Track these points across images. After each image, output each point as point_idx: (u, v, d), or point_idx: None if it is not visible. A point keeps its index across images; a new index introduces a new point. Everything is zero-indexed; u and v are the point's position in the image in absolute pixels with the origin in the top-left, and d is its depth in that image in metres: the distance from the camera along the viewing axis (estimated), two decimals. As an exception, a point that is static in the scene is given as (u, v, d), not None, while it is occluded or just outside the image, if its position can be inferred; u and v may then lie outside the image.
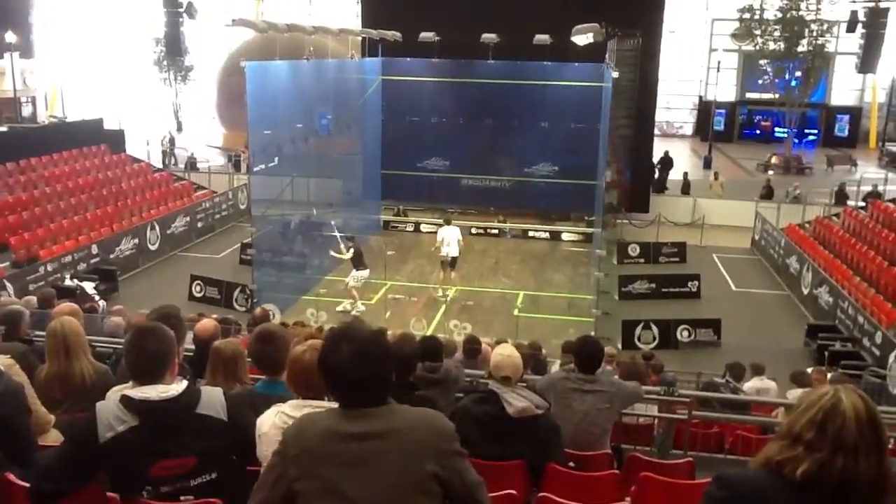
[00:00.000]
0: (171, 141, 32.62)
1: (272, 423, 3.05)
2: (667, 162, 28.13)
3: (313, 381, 3.10)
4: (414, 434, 2.38)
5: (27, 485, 3.11)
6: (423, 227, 23.12)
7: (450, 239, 17.43)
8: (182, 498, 2.99)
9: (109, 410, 2.98)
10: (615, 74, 16.02)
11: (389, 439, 2.35)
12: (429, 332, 14.88)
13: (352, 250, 16.48)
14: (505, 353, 4.61)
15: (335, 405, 3.07)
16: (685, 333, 15.41)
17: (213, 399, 3.06)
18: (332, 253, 16.94)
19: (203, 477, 3.01)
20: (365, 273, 16.50)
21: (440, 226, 18.45)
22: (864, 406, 1.91)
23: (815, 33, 33.48)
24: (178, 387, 3.03)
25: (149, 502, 2.96)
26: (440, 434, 2.43)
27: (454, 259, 17.51)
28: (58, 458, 3.13)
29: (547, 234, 22.74)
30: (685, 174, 27.54)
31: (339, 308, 16.30)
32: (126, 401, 2.97)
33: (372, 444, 2.34)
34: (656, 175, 26.98)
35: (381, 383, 2.43)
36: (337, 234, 17.08)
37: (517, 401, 4.37)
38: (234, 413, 3.07)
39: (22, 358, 4.49)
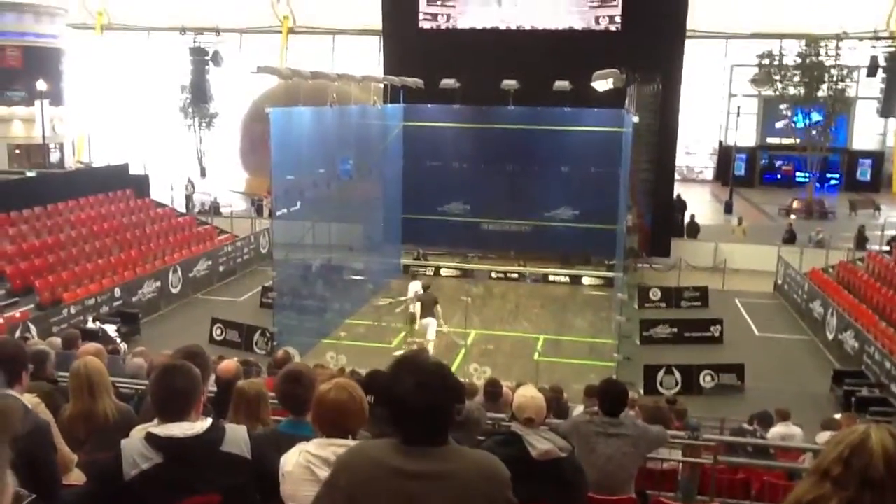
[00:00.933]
0: (191, 185, 33.04)
1: (296, 462, 3.05)
2: (680, 205, 28.02)
3: (338, 419, 3.11)
4: (469, 478, 2.33)
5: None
6: (444, 272, 23.17)
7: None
8: (206, 536, 2.98)
9: (134, 448, 2.99)
10: (636, 119, 16.11)
11: (445, 481, 2.31)
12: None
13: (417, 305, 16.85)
14: (528, 395, 4.59)
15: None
16: (708, 378, 15.23)
17: (237, 437, 3.06)
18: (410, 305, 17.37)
19: (227, 514, 2.99)
20: (428, 321, 16.36)
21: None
22: (893, 443, 1.89)
23: (835, 78, 33.53)
24: (202, 424, 3.03)
25: (173, 541, 2.96)
26: (496, 481, 2.39)
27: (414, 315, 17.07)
28: (83, 497, 3.14)
29: (567, 279, 22.70)
30: (692, 216, 27.44)
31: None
32: (151, 438, 2.98)
33: (426, 485, 2.30)
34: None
35: (443, 417, 2.37)
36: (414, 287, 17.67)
37: (540, 443, 4.33)
38: (257, 451, 3.07)
39: (47, 397, 4.53)
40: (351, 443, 3.05)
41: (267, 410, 4.75)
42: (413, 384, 2.32)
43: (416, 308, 17.04)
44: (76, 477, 4.21)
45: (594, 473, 4.89)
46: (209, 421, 3.07)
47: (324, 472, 2.98)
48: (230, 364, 5.83)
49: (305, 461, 3.02)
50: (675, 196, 28.15)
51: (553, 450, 4.35)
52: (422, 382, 2.33)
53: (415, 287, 17.73)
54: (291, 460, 3.06)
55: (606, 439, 5.14)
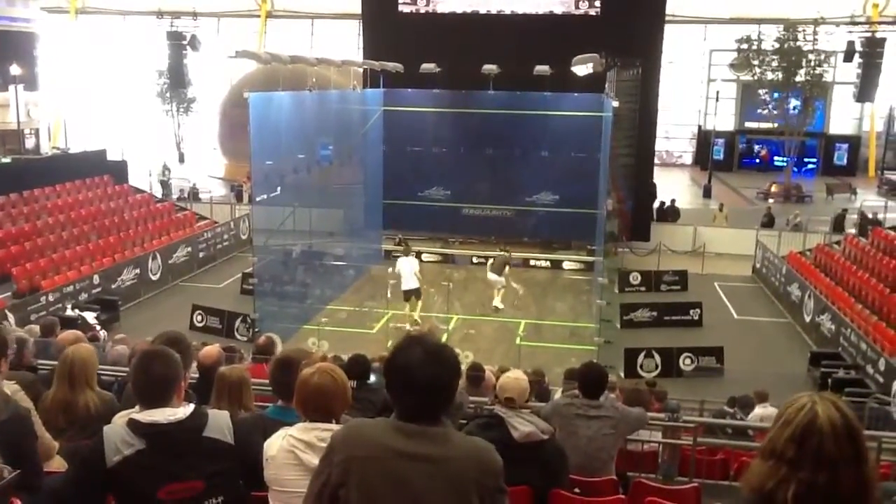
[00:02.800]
0: (167, 171, 32.71)
1: (279, 446, 3.06)
2: (651, 190, 27.98)
3: (321, 403, 3.12)
4: (463, 465, 2.34)
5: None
6: (425, 257, 23.14)
7: (405, 272, 17.16)
8: (189, 522, 2.98)
9: (116, 434, 2.98)
10: (615, 104, 16.13)
11: (438, 465, 2.32)
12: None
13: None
14: (512, 377, 4.65)
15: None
16: (688, 361, 15.37)
17: (220, 422, 3.06)
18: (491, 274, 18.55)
19: (210, 501, 2.99)
20: (496, 278, 18.30)
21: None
22: (840, 418, 1.93)
23: (812, 63, 33.75)
24: (184, 410, 3.03)
25: (156, 526, 2.96)
26: (489, 469, 2.40)
27: (415, 291, 17.18)
28: (66, 483, 3.13)
29: (548, 263, 22.75)
30: (672, 201, 27.52)
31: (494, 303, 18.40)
32: (133, 424, 2.97)
33: (420, 467, 2.31)
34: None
35: (445, 392, 2.40)
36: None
37: (523, 426, 4.38)
38: (240, 436, 3.07)
39: (29, 386, 4.50)
40: (334, 426, 3.06)
41: (249, 396, 4.75)
42: (421, 354, 2.35)
43: (405, 283, 17.05)
44: (58, 464, 4.20)
45: (575, 455, 4.95)
46: (191, 407, 3.07)
47: (307, 456, 3.00)
48: (212, 350, 5.82)
49: (289, 445, 3.03)
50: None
51: (535, 432, 4.40)
52: (430, 353, 2.36)
53: (404, 264, 17.32)
54: (275, 444, 3.07)
55: (587, 421, 5.20)
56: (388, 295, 17.82)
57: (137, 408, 3.69)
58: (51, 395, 4.72)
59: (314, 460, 2.99)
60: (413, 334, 2.54)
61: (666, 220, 26.34)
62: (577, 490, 4.63)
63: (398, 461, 2.31)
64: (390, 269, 18.11)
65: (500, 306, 18.43)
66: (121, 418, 3.81)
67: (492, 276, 18.45)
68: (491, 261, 18.95)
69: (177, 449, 2.95)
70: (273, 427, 3.25)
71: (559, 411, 5.28)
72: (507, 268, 18.53)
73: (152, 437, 2.93)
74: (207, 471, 2.97)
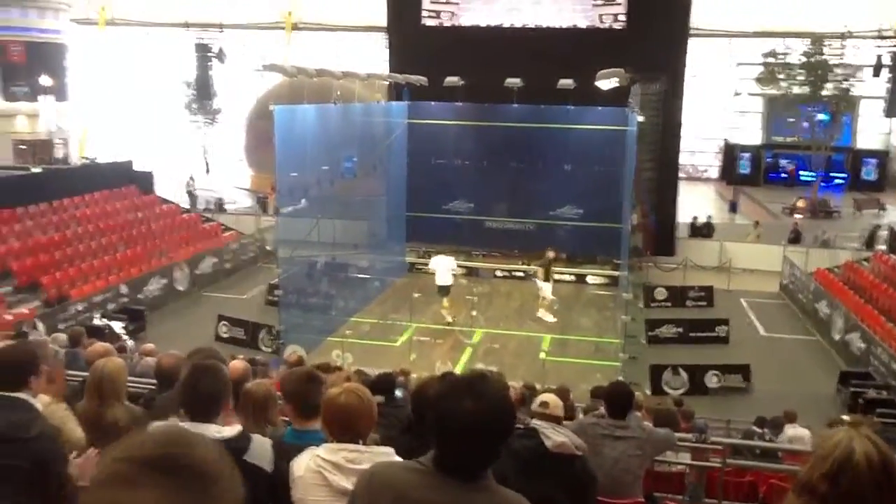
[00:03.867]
0: (192, 181, 32.96)
1: (306, 466, 3.05)
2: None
3: (348, 423, 3.11)
4: None
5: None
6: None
7: (441, 268, 18.37)
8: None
9: None
10: (640, 119, 16.07)
11: None
12: (454, 375, 14.84)
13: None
14: (550, 396, 4.64)
15: (371, 449, 3.08)
16: (714, 379, 15.19)
17: (262, 449, 3.07)
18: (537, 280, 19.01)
19: (240, 525, 2.98)
20: (544, 285, 18.63)
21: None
22: (877, 454, 1.89)
23: (839, 77, 33.43)
24: (231, 430, 3.04)
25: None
26: None
27: (447, 288, 18.25)
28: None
29: (572, 277, 22.63)
30: (708, 217, 27.29)
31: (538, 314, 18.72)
32: None
33: None
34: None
35: (491, 450, 2.16)
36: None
37: (556, 435, 4.33)
38: (278, 465, 3.07)
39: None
40: (361, 447, 3.05)
41: (275, 411, 4.74)
42: (472, 411, 2.09)
43: (439, 279, 18.25)
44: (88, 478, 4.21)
45: (600, 476, 4.88)
46: (238, 428, 3.07)
47: (334, 477, 2.99)
48: (238, 364, 5.81)
49: (317, 466, 3.02)
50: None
51: (567, 443, 4.35)
52: (484, 411, 2.10)
53: (440, 262, 18.62)
54: (302, 465, 3.06)
55: (613, 441, 5.13)
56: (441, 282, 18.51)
57: (171, 419, 3.71)
58: (80, 409, 4.74)
59: (342, 481, 2.98)
60: (466, 379, 2.24)
61: (700, 236, 26.02)
62: (603, 512, 4.58)
63: None
64: (429, 265, 19.18)
65: (549, 318, 18.67)
66: (156, 427, 3.82)
67: (542, 284, 18.72)
68: (535, 269, 19.20)
69: None
70: (293, 454, 3.21)
71: (585, 431, 5.21)
72: (551, 268, 18.87)
73: None
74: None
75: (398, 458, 3.08)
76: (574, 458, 4.35)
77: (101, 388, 4.70)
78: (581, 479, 4.43)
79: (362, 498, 2.29)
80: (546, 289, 18.69)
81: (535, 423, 4.42)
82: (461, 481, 2.13)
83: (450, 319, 18.21)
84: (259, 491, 3.01)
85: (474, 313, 18.44)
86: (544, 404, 4.43)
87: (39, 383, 3.61)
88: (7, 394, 3.24)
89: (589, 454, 4.99)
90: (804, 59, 33.39)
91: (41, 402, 4.17)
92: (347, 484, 2.97)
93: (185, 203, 28.85)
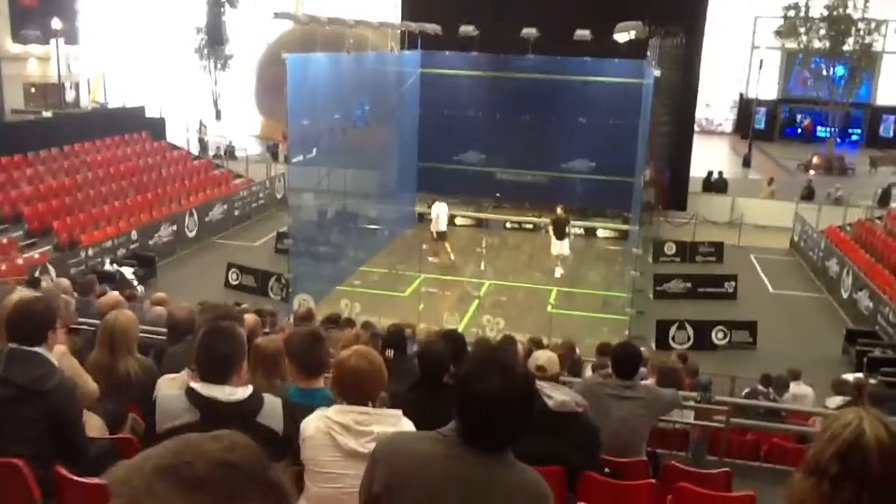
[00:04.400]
0: (204, 128, 32.84)
1: (316, 426, 3.10)
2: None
3: (358, 385, 3.15)
4: (513, 499, 2.20)
5: (79, 478, 3.20)
6: (458, 221, 23.15)
7: (443, 214, 19.07)
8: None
9: (173, 401, 3.04)
10: (657, 73, 15.83)
11: (487, 496, 2.17)
12: (462, 326, 14.96)
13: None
14: (545, 353, 4.68)
15: (379, 411, 3.13)
16: (720, 335, 15.25)
17: (274, 409, 3.12)
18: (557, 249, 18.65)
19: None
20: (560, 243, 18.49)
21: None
22: (888, 436, 1.90)
23: (861, 32, 32.81)
24: (244, 391, 3.08)
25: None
26: (538, 502, 2.25)
27: (444, 232, 18.98)
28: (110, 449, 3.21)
29: (582, 231, 22.59)
30: (720, 173, 27.04)
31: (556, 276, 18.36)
32: (192, 394, 3.03)
33: (468, 492, 2.16)
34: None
35: (518, 426, 2.21)
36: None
37: (557, 394, 4.37)
38: (288, 425, 3.13)
39: (76, 352, 4.60)
40: (371, 409, 3.10)
41: (286, 367, 4.80)
42: (500, 386, 2.15)
43: (440, 225, 18.94)
44: (98, 430, 4.30)
45: (607, 436, 4.93)
46: (250, 389, 3.12)
47: (343, 438, 3.04)
48: (248, 318, 5.87)
49: (326, 427, 3.07)
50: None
51: (569, 402, 4.40)
52: (511, 386, 2.16)
53: (438, 209, 19.10)
54: (312, 425, 3.11)
55: (620, 402, 5.17)
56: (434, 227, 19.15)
57: (184, 373, 3.77)
58: (91, 360, 4.82)
59: (350, 442, 3.03)
60: (491, 355, 2.30)
61: (714, 191, 25.85)
62: (607, 470, 4.64)
63: (448, 484, 2.18)
64: (431, 211, 19.40)
65: (558, 271, 18.56)
66: (167, 382, 3.89)
67: (559, 244, 18.53)
68: (551, 228, 18.84)
69: (228, 428, 2.99)
70: (300, 413, 3.25)
71: (591, 390, 5.25)
72: (569, 229, 18.81)
73: (208, 412, 2.99)
74: None
75: (406, 420, 3.14)
76: (577, 415, 4.40)
77: (113, 340, 4.77)
78: (585, 435, 4.49)
79: (384, 463, 2.31)
80: (559, 246, 18.57)
81: (537, 382, 4.45)
82: (485, 454, 2.17)
83: (453, 257, 18.92)
84: (271, 452, 3.06)
85: (482, 266, 18.51)
86: (541, 368, 4.46)
87: (55, 337, 3.68)
88: (26, 348, 3.30)
89: (596, 414, 5.05)
90: (826, 13, 32.76)
91: (56, 353, 4.25)
92: (356, 445, 3.02)
93: (195, 149, 28.82)
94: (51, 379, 3.27)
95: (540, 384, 4.43)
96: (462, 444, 2.18)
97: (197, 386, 3.06)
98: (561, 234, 18.42)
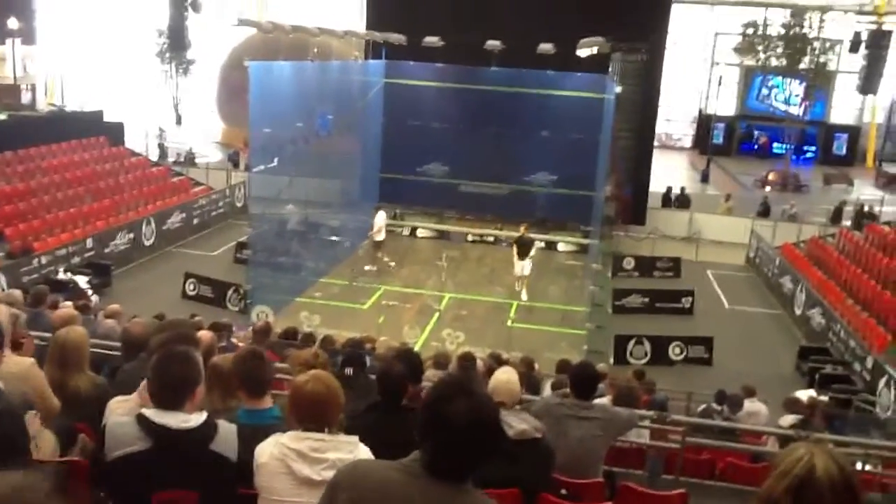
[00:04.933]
0: (163, 134, 32.36)
1: (270, 453, 3.05)
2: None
3: (315, 411, 3.11)
4: None
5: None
6: (420, 232, 23.15)
7: (382, 223, 19.36)
8: (178, 530, 2.99)
9: (122, 428, 2.97)
10: (618, 89, 16.02)
11: None
12: (422, 340, 14.94)
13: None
14: (503, 379, 4.59)
15: (335, 438, 3.09)
16: (677, 350, 15.42)
17: (228, 437, 3.07)
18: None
19: (201, 512, 3.00)
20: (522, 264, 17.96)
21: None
22: (838, 471, 1.94)
23: (817, 51, 33.61)
24: (197, 418, 3.02)
25: (145, 529, 2.96)
26: None
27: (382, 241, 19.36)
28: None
29: (543, 244, 22.67)
30: (682, 189, 27.35)
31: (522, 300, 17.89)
32: (143, 421, 2.97)
33: None
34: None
35: (485, 455, 2.15)
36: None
37: (518, 423, 4.37)
38: (242, 452, 3.07)
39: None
40: (326, 437, 3.06)
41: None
42: (466, 411, 2.11)
43: (381, 236, 19.19)
44: (48, 443, 4.19)
45: (564, 456, 4.95)
46: (204, 415, 3.06)
47: (298, 465, 3.00)
48: (204, 335, 5.76)
49: (280, 454, 3.02)
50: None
51: (529, 430, 4.40)
52: (476, 409, 2.12)
53: (380, 219, 19.16)
54: (266, 452, 3.06)
55: (578, 422, 5.18)
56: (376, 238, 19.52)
57: (133, 396, 3.69)
58: (44, 372, 4.71)
59: (305, 470, 2.99)
60: (457, 380, 2.26)
61: (677, 206, 26.06)
62: (563, 491, 4.65)
63: None
64: (375, 219, 19.41)
65: (524, 295, 18.04)
66: (117, 404, 3.80)
67: (522, 264, 18.00)
68: (515, 248, 18.30)
69: (181, 456, 2.95)
70: (249, 434, 3.19)
71: (549, 411, 5.27)
72: (533, 250, 18.38)
73: (160, 440, 2.93)
74: (206, 483, 2.98)
75: (363, 446, 3.10)
76: (535, 441, 4.41)
77: (64, 357, 4.68)
78: (541, 459, 4.50)
79: (345, 491, 2.24)
80: (520, 267, 18.11)
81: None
82: (449, 484, 2.13)
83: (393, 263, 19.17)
84: (222, 478, 3.02)
85: (443, 278, 18.47)
86: (502, 404, 4.42)
87: (2, 356, 3.57)
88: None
89: (554, 434, 5.06)
90: (783, 31, 33.51)
91: (21, 365, 4.15)
92: (311, 472, 2.98)
93: (154, 155, 28.40)
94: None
95: (500, 414, 4.42)
96: (424, 474, 2.14)
97: (148, 413, 2.99)
98: (524, 254, 18.08)
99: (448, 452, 2.13)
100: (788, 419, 8.50)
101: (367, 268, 18.87)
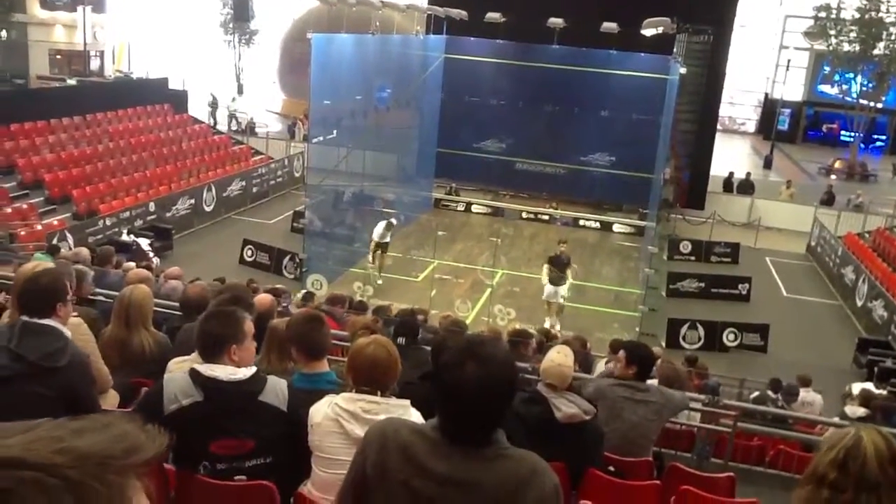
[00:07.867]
0: (214, 103, 32.70)
1: (325, 413, 3.12)
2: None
3: (373, 374, 3.16)
4: (497, 494, 2.03)
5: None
6: (475, 208, 23.15)
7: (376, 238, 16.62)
8: (236, 477, 3.10)
9: (177, 383, 3.09)
10: (683, 70, 15.71)
11: (468, 493, 2.04)
12: (473, 314, 14.97)
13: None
14: (556, 362, 4.53)
15: (387, 401, 3.14)
16: (731, 337, 15.20)
17: (276, 389, 3.16)
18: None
19: (258, 460, 3.12)
20: (550, 288, 15.01)
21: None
22: (885, 444, 1.95)
23: (893, 36, 32.38)
24: (245, 371, 3.14)
25: (204, 478, 3.08)
26: (531, 495, 2.04)
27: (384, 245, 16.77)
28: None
29: (598, 225, 22.53)
30: (747, 174, 26.76)
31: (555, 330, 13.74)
32: (195, 375, 3.09)
33: (446, 491, 2.05)
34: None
35: (496, 419, 2.09)
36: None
37: (567, 407, 4.37)
38: (292, 404, 3.17)
39: (92, 323, 4.64)
40: (380, 399, 3.11)
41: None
42: (475, 376, 2.02)
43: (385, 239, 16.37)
44: (112, 401, 4.36)
45: (617, 438, 4.94)
46: (253, 369, 3.18)
47: (350, 426, 3.06)
48: (264, 298, 5.90)
49: (334, 413, 3.09)
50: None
51: (578, 413, 4.39)
52: (487, 376, 2.02)
53: (380, 229, 16.65)
54: (321, 412, 3.13)
55: (633, 405, 5.12)
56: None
57: (192, 356, 3.80)
58: (107, 333, 4.88)
59: (357, 430, 3.05)
60: (468, 344, 2.13)
61: (740, 192, 25.47)
62: (611, 468, 4.65)
63: (424, 480, 2.07)
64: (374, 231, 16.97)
65: (557, 326, 14.48)
66: (175, 365, 3.93)
67: (553, 289, 14.94)
68: (547, 267, 15.15)
69: (232, 407, 3.07)
70: (304, 399, 3.26)
71: (604, 393, 5.21)
72: (569, 269, 15.18)
73: (210, 392, 3.05)
74: (259, 432, 3.09)
75: (414, 411, 3.15)
76: (584, 423, 4.40)
77: (129, 314, 4.84)
78: (589, 440, 4.50)
79: (373, 451, 2.20)
80: (552, 292, 15.05)
81: (543, 390, 4.45)
82: (469, 449, 2.07)
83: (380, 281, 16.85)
84: (275, 429, 3.12)
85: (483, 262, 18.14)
86: (552, 386, 4.43)
87: (67, 310, 3.71)
88: (38, 321, 3.30)
89: (608, 416, 5.04)
90: (858, 16, 32.35)
91: (72, 324, 4.28)
92: (362, 433, 3.04)
93: (222, 124, 28.85)
94: (64, 355, 3.29)
95: (549, 394, 4.43)
96: (444, 441, 2.09)
97: (200, 367, 3.11)
98: (558, 278, 14.90)
99: (461, 419, 2.07)
100: (859, 411, 8.25)
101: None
